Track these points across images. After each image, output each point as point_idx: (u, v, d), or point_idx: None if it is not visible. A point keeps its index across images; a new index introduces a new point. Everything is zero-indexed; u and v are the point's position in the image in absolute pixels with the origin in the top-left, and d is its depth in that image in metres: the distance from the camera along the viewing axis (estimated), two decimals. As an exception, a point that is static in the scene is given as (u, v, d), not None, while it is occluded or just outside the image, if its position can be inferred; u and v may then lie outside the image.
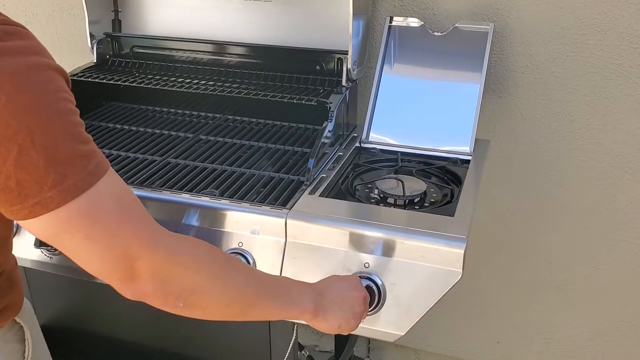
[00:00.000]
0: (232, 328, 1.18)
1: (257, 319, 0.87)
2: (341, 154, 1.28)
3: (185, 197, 1.10)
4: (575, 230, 1.56)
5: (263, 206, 1.07)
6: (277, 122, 1.44)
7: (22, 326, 0.93)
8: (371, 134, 1.34)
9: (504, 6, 1.40)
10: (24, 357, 0.93)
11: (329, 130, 1.22)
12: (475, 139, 1.31)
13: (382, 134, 1.34)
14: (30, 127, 0.66)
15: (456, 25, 1.37)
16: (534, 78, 1.44)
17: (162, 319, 1.10)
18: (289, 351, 1.17)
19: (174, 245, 0.76)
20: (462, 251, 0.95)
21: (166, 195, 1.10)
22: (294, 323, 1.17)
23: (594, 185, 1.50)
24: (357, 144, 1.34)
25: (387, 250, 1.00)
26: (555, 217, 1.56)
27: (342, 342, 1.65)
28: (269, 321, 1.14)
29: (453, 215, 1.04)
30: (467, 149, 1.28)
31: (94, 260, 0.72)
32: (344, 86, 1.34)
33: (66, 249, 0.72)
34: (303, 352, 1.35)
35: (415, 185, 1.18)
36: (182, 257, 0.76)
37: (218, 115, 1.47)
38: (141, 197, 0.82)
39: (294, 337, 1.17)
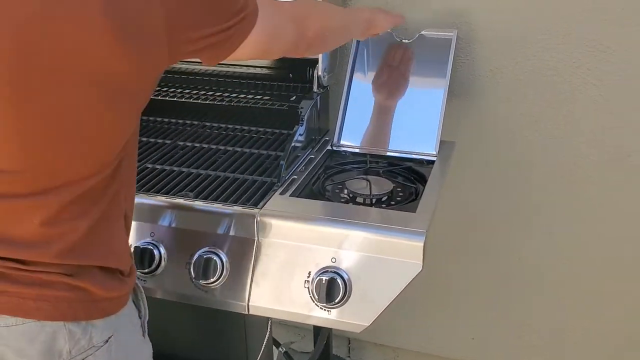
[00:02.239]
0: (208, 323, 1.23)
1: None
2: (313, 156, 1.34)
3: (160, 199, 1.15)
4: (542, 227, 1.62)
5: (235, 206, 1.12)
6: (252, 127, 1.49)
7: (137, 285, 0.95)
8: (342, 137, 1.40)
9: (468, 13, 1.47)
10: (141, 318, 0.96)
11: (299, 134, 1.27)
12: (441, 140, 1.37)
13: (352, 138, 1.40)
14: None
15: (422, 32, 1.43)
16: (498, 81, 1.51)
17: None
18: (263, 346, 1.21)
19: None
20: (422, 244, 1.01)
21: (143, 197, 1.15)
22: (268, 319, 1.22)
23: (559, 184, 1.56)
24: (329, 147, 1.40)
25: (353, 245, 1.05)
26: (524, 214, 1.62)
27: (322, 341, 1.69)
28: (244, 317, 1.17)
29: (415, 212, 1.09)
30: (432, 150, 1.34)
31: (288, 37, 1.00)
32: (315, 92, 1.39)
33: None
34: (280, 348, 1.40)
35: (382, 185, 1.24)
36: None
37: (195, 122, 1.53)
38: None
39: (267, 334, 1.22)
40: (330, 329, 1.51)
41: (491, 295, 1.75)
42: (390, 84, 1.41)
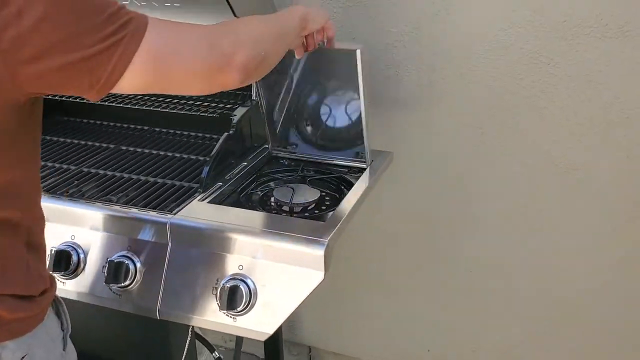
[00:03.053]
0: (131, 327, 1.24)
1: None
2: (246, 164, 1.34)
3: (81, 203, 1.17)
4: (491, 238, 1.60)
5: (150, 212, 1.13)
6: (185, 132, 1.51)
7: (57, 298, 0.94)
8: (278, 145, 1.41)
9: (410, 24, 1.46)
10: (63, 330, 0.94)
11: (228, 140, 1.28)
12: (378, 150, 1.37)
13: (287, 146, 1.40)
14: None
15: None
16: (443, 92, 1.50)
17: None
18: (185, 352, 1.22)
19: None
20: (322, 253, 1.01)
21: (64, 201, 1.17)
22: (189, 325, 1.23)
23: (507, 195, 1.55)
24: (265, 155, 1.40)
25: (258, 253, 1.05)
26: (472, 225, 1.61)
27: (272, 349, 1.70)
28: (167, 323, 1.18)
29: (325, 221, 1.09)
30: (364, 159, 1.33)
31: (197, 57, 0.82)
32: (253, 100, 1.40)
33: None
34: (214, 354, 1.40)
35: (308, 194, 1.24)
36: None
37: (131, 126, 1.56)
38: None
39: (189, 339, 1.22)
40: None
41: (445, 306, 1.73)
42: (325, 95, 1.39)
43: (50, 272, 0.95)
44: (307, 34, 1.10)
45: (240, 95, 1.45)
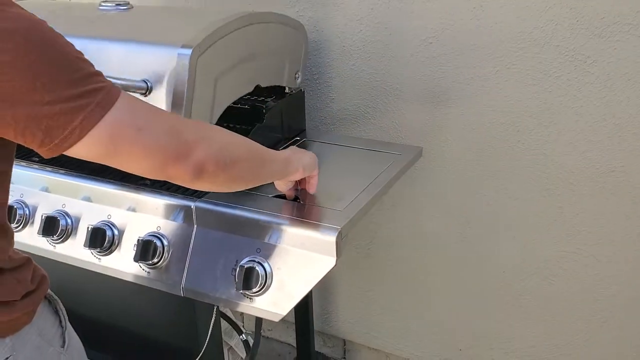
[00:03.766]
0: (159, 305, 1.31)
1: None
2: (275, 153, 1.39)
3: (118, 185, 1.25)
4: (525, 240, 1.58)
5: (179, 195, 1.19)
6: (223, 124, 1.56)
7: (52, 297, 0.98)
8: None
9: (446, 20, 1.47)
10: (62, 327, 0.98)
11: (258, 131, 1.33)
12: (407, 145, 1.39)
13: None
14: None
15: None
16: (478, 89, 1.50)
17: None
18: (210, 330, 1.28)
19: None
20: (334, 240, 1.04)
21: (101, 182, 1.25)
22: (214, 305, 1.28)
23: (542, 196, 1.53)
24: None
25: (276, 237, 1.10)
26: (506, 226, 1.59)
27: (305, 338, 1.74)
28: (194, 303, 1.24)
29: (341, 210, 1.12)
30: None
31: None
32: (287, 93, 1.45)
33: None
34: (241, 336, 1.46)
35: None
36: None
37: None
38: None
39: (213, 318, 1.28)
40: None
41: (478, 307, 1.72)
42: None
43: (44, 272, 0.98)
44: (290, 179, 1.09)
45: (275, 88, 1.50)
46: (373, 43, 1.57)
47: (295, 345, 1.83)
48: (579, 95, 1.41)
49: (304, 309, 1.68)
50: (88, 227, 1.21)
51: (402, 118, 1.60)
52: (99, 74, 0.76)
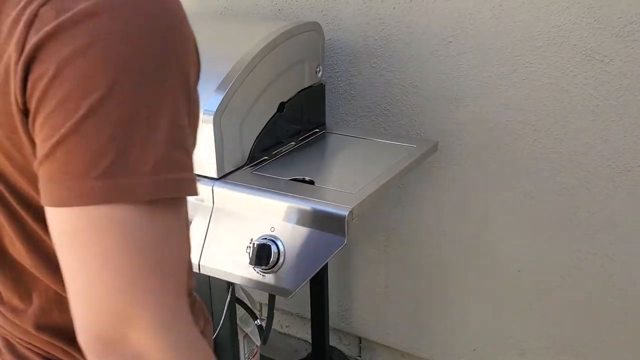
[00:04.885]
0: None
1: None
2: (294, 143, 1.44)
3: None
4: (541, 239, 1.59)
5: (199, 175, 1.25)
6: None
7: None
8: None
9: (465, 19, 1.51)
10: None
11: (277, 120, 1.38)
12: (424, 138, 1.42)
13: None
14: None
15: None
16: (495, 87, 1.52)
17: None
18: (225, 308, 1.32)
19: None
20: (345, 219, 1.07)
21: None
22: (230, 284, 1.33)
23: (557, 195, 1.54)
24: (317, 138, 1.49)
25: (289, 217, 1.14)
26: (522, 225, 1.61)
27: (320, 333, 1.77)
28: (209, 279, 1.29)
29: (354, 193, 1.16)
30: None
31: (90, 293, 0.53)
32: (307, 86, 1.49)
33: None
34: (256, 321, 1.49)
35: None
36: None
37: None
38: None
39: (229, 297, 1.32)
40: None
41: (493, 307, 1.73)
42: None
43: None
44: None
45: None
46: (394, 42, 1.62)
47: (311, 341, 1.86)
48: (595, 94, 1.43)
49: (320, 304, 1.71)
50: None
51: (421, 115, 1.64)
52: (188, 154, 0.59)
